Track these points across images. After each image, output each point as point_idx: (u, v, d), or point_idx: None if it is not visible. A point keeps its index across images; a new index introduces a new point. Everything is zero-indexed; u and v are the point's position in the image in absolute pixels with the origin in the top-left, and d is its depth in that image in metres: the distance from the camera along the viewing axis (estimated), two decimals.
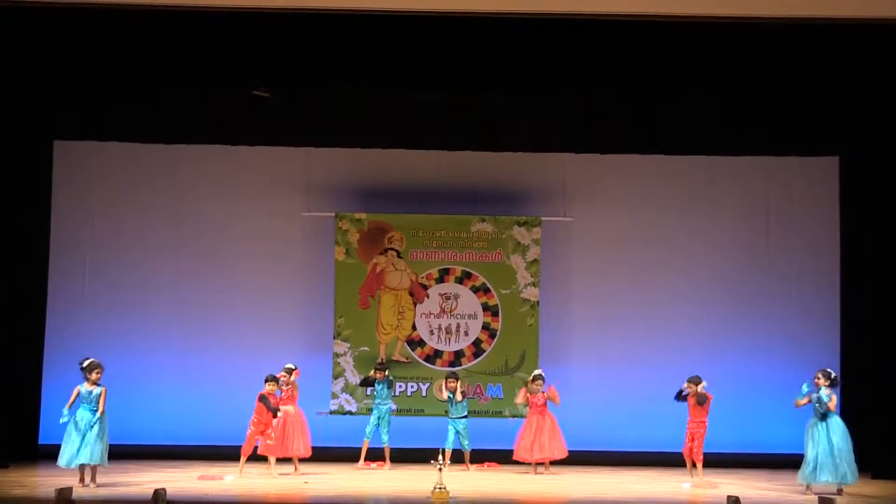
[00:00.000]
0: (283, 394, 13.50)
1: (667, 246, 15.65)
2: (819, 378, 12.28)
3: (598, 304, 15.57)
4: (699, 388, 12.99)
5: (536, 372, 14.26)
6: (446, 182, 15.66)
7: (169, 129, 15.05)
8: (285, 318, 15.49)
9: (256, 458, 13.32)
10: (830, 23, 11.14)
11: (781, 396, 14.70)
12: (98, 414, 12.03)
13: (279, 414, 13.25)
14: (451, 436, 14.13)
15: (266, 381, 13.24)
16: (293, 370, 13.66)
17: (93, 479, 11.99)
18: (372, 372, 14.43)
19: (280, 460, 13.40)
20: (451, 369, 14.98)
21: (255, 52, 12.73)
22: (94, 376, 12.13)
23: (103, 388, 12.14)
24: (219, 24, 11.81)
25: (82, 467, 11.97)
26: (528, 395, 14.12)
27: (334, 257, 15.42)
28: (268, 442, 13.18)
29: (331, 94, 14.41)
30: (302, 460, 13.68)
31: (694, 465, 13.13)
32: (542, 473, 13.91)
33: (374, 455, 14.26)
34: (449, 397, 14.21)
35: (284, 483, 12.73)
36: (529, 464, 14.02)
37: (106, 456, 12.10)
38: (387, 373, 14.40)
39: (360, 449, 14.29)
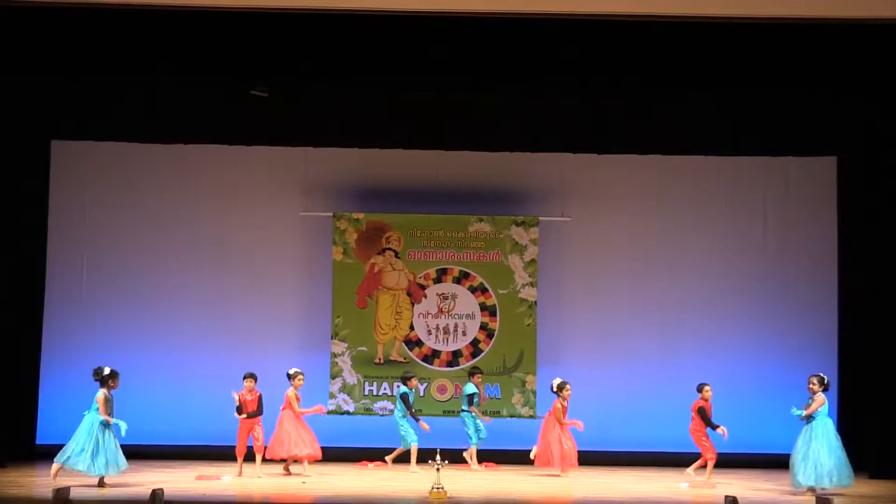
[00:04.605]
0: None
1: (664, 246, 15.64)
2: (813, 383, 12.34)
3: (595, 304, 15.57)
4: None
5: (561, 381, 13.88)
6: (444, 182, 15.65)
7: (166, 129, 15.03)
8: (283, 317, 15.48)
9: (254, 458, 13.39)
10: (829, 23, 11.16)
11: (779, 396, 14.74)
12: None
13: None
14: (472, 430, 14.26)
15: (246, 377, 13.29)
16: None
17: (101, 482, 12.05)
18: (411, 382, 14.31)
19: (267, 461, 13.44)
20: (450, 368, 15.15)
21: (252, 52, 12.73)
22: (115, 384, 12.22)
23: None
24: (216, 23, 11.82)
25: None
26: (562, 404, 13.82)
27: (332, 257, 15.41)
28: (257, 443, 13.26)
29: (328, 94, 14.42)
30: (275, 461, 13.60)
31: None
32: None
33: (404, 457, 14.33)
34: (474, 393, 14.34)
35: (282, 483, 12.73)
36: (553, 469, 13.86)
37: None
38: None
39: (357, 448, 14.44)
